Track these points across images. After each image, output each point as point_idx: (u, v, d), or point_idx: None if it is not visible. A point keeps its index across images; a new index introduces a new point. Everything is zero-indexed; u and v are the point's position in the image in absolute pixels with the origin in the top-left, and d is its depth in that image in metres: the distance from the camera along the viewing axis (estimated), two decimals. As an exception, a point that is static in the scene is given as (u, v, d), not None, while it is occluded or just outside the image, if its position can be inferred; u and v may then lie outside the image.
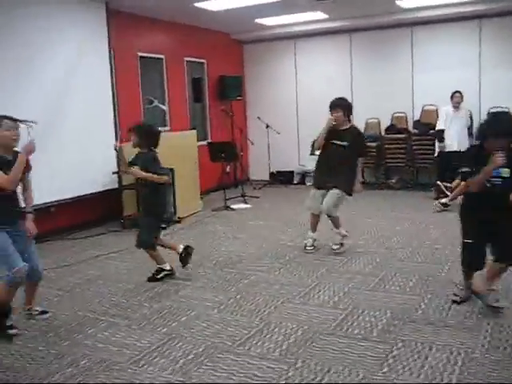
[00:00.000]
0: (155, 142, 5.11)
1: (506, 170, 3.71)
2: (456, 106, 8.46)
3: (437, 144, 8.70)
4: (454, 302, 4.15)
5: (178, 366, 3.34)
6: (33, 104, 6.46)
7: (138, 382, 3.17)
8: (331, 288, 4.67)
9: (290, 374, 3.18)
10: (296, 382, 3.07)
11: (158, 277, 5.11)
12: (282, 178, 11.04)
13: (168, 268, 5.14)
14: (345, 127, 5.72)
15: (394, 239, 6.26)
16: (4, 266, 3.83)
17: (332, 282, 4.84)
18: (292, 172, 11.07)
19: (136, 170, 5.09)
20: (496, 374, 3.06)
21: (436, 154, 8.77)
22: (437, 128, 8.64)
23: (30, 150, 3.87)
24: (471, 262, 3.97)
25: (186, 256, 5.24)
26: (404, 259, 5.46)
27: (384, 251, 5.76)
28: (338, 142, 5.65)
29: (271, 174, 11.10)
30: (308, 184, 10.64)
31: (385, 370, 3.16)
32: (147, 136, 5.07)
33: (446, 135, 8.47)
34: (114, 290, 4.89)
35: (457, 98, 8.45)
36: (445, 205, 7.67)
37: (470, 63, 9.46)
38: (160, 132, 5.29)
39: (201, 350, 3.56)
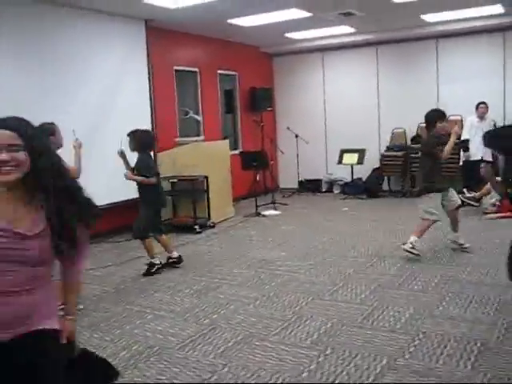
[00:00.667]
0: (149, 145, 5.63)
1: None
2: (481, 117, 8.73)
3: (462, 153, 8.97)
4: None
5: (220, 352, 3.73)
6: (79, 115, 7.00)
7: (184, 364, 3.57)
8: (358, 287, 5.01)
9: (320, 359, 3.54)
10: (325, 366, 3.43)
11: (152, 271, 5.75)
12: (310, 186, 11.39)
13: (175, 256, 5.94)
14: None
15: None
16: None
17: (359, 281, 5.18)
18: (320, 180, 11.42)
19: (129, 173, 5.75)
20: (507, 361, 3.38)
21: (461, 163, 9.03)
22: (462, 138, 8.87)
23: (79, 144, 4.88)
24: None
25: (171, 263, 5.90)
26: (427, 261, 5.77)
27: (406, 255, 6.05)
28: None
29: (300, 182, 11.46)
30: (336, 192, 11.00)
31: (407, 356, 3.51)
32: (141, 140, 5.59)
33: (471, 145, 8.73)
34: (156, 288, 5.31)
35: (482, 109, 8.72)
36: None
37: (494, 74, 9.72)
38: (154, 136, 5.90)
39: (239, 338, 3.95)
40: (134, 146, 5.67)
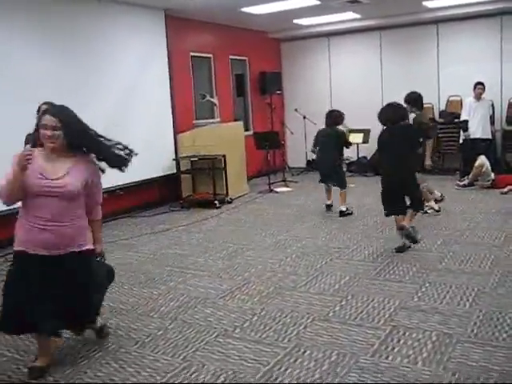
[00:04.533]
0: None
1: None
2: (478, 97, 9.21)
3: (461, 133, 9.45)
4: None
5: (256, 300, 4.39)
6: (105, 100, 7.61)
7: (225, 310, 4.23)
8: (374, 245, 5.66)
9: (343, 303, 4.20)
10: (348, 309, 4.09)
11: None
12: (317, 165, 11.97)
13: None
14: None
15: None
16: None
17: (373, 239, 5.83)
18: (327, 159, 12.00)
19: None
20: (499, 300, 4.07)
21: (461, 142, 9.54)
22: (461, 119, 9.35)
23: None
24: None
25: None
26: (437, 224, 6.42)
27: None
28: None
29: (308, 162, 12.06)
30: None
31: (415, 299, 4.18)
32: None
33: (470, 124, 9.18)
34: (189, 253, 5.97)
35: (479, 90, 9.15)
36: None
37: (492, 57, 10.28)
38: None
39: (271, 290, 4.60)
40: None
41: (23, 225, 3.19)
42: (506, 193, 8.18)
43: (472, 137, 9.16)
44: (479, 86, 9.11)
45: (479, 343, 3.39)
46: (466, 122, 9.19)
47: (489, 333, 3.53)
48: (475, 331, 3.57)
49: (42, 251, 3.14)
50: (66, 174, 3.18)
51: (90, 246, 3.35)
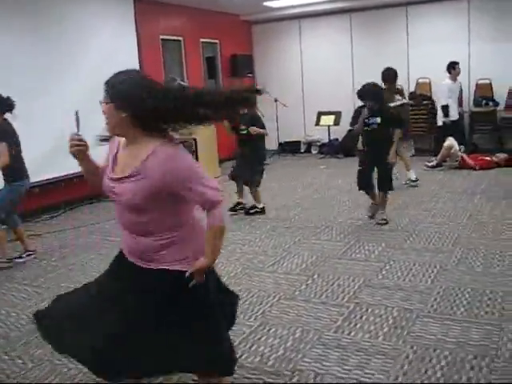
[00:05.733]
0: None
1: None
2: (455, 78, 9.01)
3: (440, 116, 9.09)
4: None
5: (224, 280, 4.46)
6: (74, 84, 7.53)
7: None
8: (342, 225, 5.77)
9: (309, 282, 4.30)
10: (313, 288, 4.18)
11: (251, 211, 6.69)
12: (289, 148, 12.08)
13: (261, 206, 6.66)
14: None
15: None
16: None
17: (342, 219, 5.94)
18: (299, 142, 12.12)
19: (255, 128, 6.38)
20: (459, 277, 4.20)
21: (440, 124, 9.17)
22: (442, 104, 9.00)
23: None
24: None
25: (262, 207, 6.76)
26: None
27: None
28: None
29: (280, 144, 12.12)
30: (314, 152, 11.73)
31: (379, 276, 4.31)
32: None
33: (451, 107, 8.92)
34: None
35: (459, 70, 8.91)
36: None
37: (459, 38, 10.40)
38: None
39: (239, 270, 4.68)
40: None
41: None
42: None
43: (453, 119, 9.00)
44: (458, 66, 8.90)
45: (438, 318, 3.52)
46: (447, 106, 8.92)
47: (447, 308, 3.66)
48: (435, 306, 3.70)
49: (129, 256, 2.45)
50: (128, 176, 2.27)
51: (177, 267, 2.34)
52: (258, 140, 6.57)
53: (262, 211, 6.66)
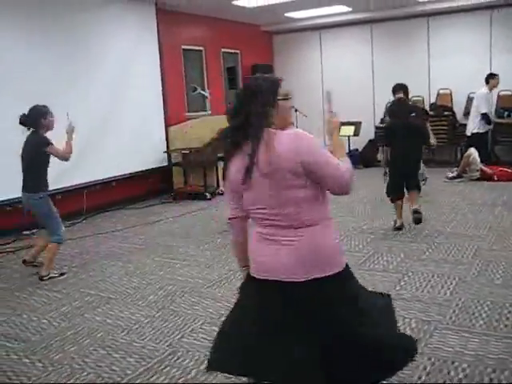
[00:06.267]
0: None
1: None
2: (492, 90, 9.02)
3: (472, 126, 9.13)
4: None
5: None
6: (96, 94, 7.66)
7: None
8: (362, 235, 5.76)
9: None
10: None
11: None
12: (309, 157, 12.04)
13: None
14: None
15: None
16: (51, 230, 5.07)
17: (362, 230, 5.93)
18: (318, 151, 12.09)
19: None
20: (478, 289, 4.17)
21: (469, 134, 9.20)
22: (482, 111, 8.93)
23: (72, 129, 5.06)
24: None
25: None
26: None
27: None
28: None
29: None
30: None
31: (397, 287, 4.29)
32: None
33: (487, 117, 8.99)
34: (179, 244, 6.05)
35: (496, 81, 8.93)
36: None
37: (481, 50, 10.35)
38: None
39: (257, 279, 4.68)
40: None
41: None
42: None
43: (485, 130, 9.09)
44: (497, 77, 8.95)
45: (456, 330, 3.49)
46: (487, 114, 8.98)
47: (466, 320, 3.63)
48: (453, 318, 3.67)
49: None
50: None
51: None
52: None
53: None
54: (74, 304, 4.38)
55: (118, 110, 8.09)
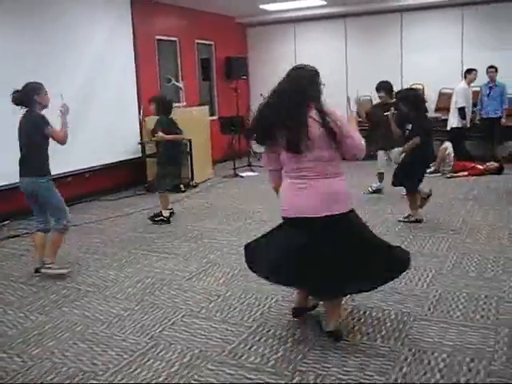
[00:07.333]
0: (170, 109, 6.64)
1: None
2: (470, 84, 9.16)
3: (453, 119, 9.26)
4: None
5: (221, 281, 4.48)
6: (69, 84, 7.48)
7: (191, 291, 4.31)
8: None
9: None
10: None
11: (156, 219, 6.52)
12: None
13: (166, 215, 6.55)
14: None
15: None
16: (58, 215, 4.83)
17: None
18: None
19: (161, 134, 6.43)
20: (454, 281, 4.26)
21: (449, 129, 9.35)
22: (459, 106, 9.11)
23: (67, 109, 4.81)
24: None
25: (167, 216, 6.56)
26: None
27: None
28: None
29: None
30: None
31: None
32: (163, 104, 6.55)
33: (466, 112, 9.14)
34: (155, 236, 6.01)
35: (473, 76, 9.08)
36: None
37: (453, 45, 10.51)
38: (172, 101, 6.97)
39: (236, 271, 4.69)
40: (157, 110, 6.57)
41: None
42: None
43: (465, 125, 9.22)
44: (475, 72, 9.12)
45: (435, 321, 3.56)
46: (464, 108, 9.11)
47: (444, 311, 3.71)
48: (431, 310, 3.74)
49: None
50: None
51: None
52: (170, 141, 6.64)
53: (167, 220, 6.58)
54: (51, 297, 4.32)
55: (91, 101, 7.96)
